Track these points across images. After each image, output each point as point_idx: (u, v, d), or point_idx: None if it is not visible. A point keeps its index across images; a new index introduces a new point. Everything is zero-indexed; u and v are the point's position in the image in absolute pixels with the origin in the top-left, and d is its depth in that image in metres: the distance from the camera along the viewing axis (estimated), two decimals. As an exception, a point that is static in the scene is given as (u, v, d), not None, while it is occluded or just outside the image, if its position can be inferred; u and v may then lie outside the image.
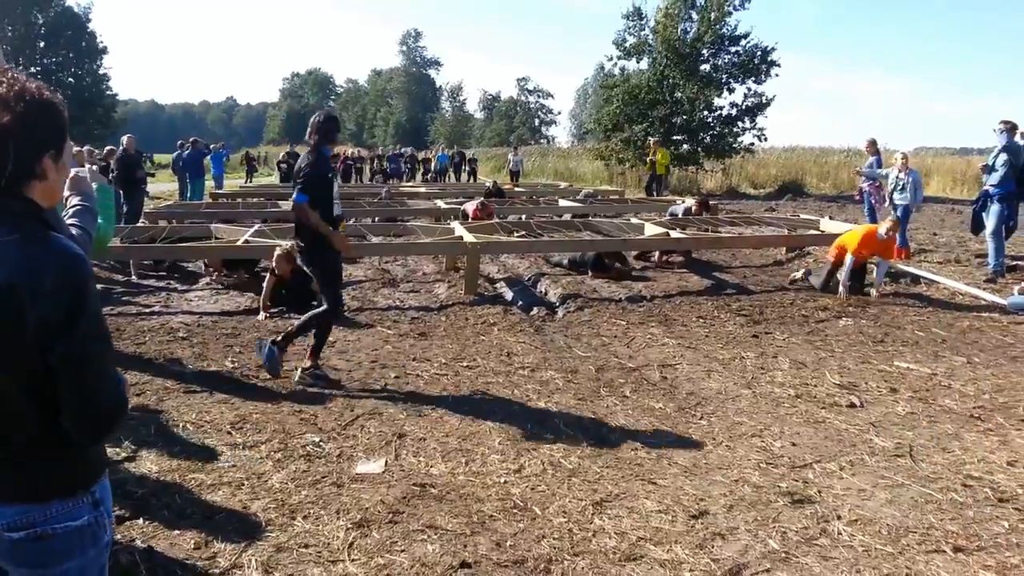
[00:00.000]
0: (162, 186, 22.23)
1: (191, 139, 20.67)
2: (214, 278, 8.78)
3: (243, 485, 3.60)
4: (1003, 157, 8.81)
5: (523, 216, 12.79)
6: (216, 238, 9.40)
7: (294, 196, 5.13)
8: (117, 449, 3.98)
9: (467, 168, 32.67)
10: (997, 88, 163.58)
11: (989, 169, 9.15)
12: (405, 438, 4.23)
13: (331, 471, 3.78)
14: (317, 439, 4.19)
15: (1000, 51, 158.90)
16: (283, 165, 27.21)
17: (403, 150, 38.79)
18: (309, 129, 5.31)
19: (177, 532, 3.17)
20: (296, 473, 3.75)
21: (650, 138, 21.96)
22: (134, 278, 9.03)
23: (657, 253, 10.09)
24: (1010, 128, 8.88)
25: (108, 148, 13.88)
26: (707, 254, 10.66)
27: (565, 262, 9.78)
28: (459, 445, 4.14)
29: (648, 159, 21.65)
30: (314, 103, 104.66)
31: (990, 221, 9.10)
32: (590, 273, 9.16)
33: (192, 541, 3.10)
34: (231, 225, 10.24)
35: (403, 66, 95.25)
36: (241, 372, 5.42)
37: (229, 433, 4.26)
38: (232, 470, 3.78)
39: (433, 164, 33.18)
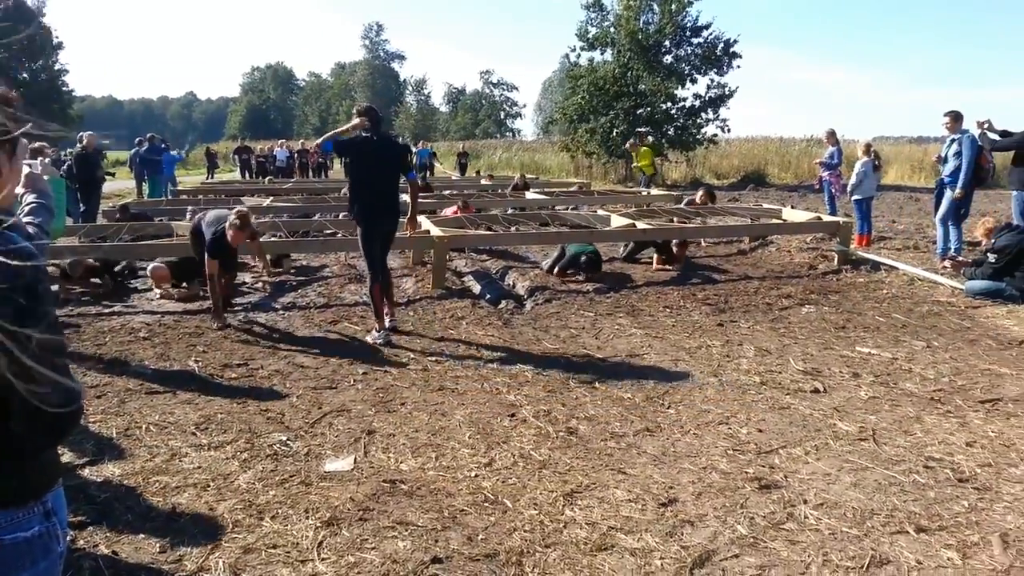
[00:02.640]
0: (119, 184, 21.76)
1: (148, 135, 20.28)
2: (164, 292, 7.81)
3: (209, 486, 3.55)
4: (954, 148, 9.01)
5: (492, 210, 12.75)
6: (179, 235, 9.22)
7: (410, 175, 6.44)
8: (78, 453, 3.89)
9: (440, 163, 32.34)
10: (949, 78, 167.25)
11: (942, 160, 9.35)
12: (374, 434, 4.20)
13: (299, 470, 3.74)
14: (284, 438, 4.13)
15: (951, 43, 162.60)
16: (244, 157, 26.90)
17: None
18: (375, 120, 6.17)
19: (142, 536, 3.11)
20: (263, 473, 3.70)
21: (630, 140, 21.41)
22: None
23: (655, 258, 9.56)
24: (954, 117, 9.07)
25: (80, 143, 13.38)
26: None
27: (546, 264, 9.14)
28: (429, 440, 4.12)
29: (634, 166, 19.93)
30: (276, 98, 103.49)
31: (940, 208, 9.32)
32: (582, 275, 8.54)
33: (157, 545, 3.04)
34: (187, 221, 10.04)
35: (366, 59, 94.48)
36: (205, 371, 5.33)
37: (194, 434, 4.19)
38: (197, 471, 3.71)
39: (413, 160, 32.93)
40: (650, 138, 23.36)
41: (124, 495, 3.46)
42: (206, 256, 6.53)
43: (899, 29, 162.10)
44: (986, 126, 8.55)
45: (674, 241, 9.51)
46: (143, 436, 4.16)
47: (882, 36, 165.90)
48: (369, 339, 6.18)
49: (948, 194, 9.16)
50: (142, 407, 4.61)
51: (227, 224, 6.60)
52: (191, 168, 38.45)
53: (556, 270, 8.75)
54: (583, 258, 8.62)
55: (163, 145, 20.73)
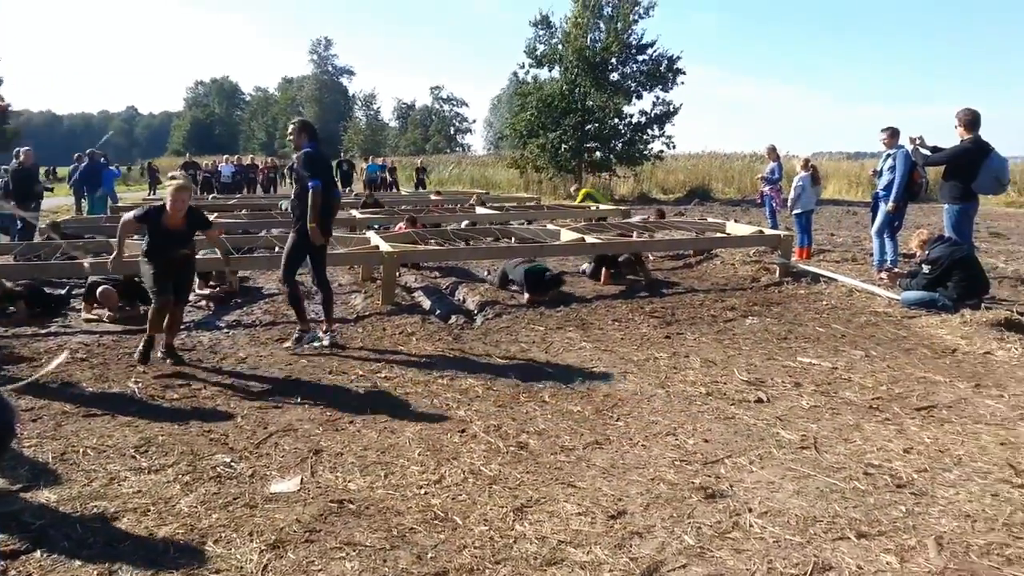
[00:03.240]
0: (58, 200, 21.13)
1: (87, 151, 19.73)
2: (97, 315, 7.48)
3: (149, 511, 3.44)
4: (889, 163, 9.34)
5: (443, 224, 12.74)
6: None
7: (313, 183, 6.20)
8: (11, 479, 3.74)
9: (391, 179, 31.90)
10: (885, 96, 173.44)
11: (878, 174, 9.67)
12: (321, 454, 4.13)
13: (243, 492, 3.65)
14: (228, 459, 4.04)
15: (887, 61, 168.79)
16: (190, 172, 26.34)
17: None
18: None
19: (78, 563, 3.00)
20: (206, 496, 3.60)
21: (572, 187, 21.19)
22: None
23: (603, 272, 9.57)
24: (892, 133, 9.41)
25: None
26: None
27: (496, 281, 8.99)
28: (378, 458, 4.07)
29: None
30: (221, 112, 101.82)
31: (876, 221, 9.64)
32: (526, 296, 8.24)
33: (95, 572, 2.94)
34: (135, 239, 9.78)
35: (314, 74, 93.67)
36: (146, 392, 5.18)
37: (133, 457, 4.07)
38: (137, 496, 3.60)
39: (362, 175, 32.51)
40: (590, 180, 23.48)
41: (60, 521, 3.34)
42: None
43: (835, 48, 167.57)
44: (918, 142, 8.87)
45: (624, 257, 9.67)
46: (80, 460, 4.02)
47: (818, 55, 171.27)
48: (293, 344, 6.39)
49: (883, 207, 9.47)
50: (79, 430, 4.46)
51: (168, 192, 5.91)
52: (131, 184, 37.57)
53: (528, 295, 8.28)
54: (547, 274, 8.37)
55: (103, 160, 20.17)
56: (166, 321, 5.89)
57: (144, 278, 5.99)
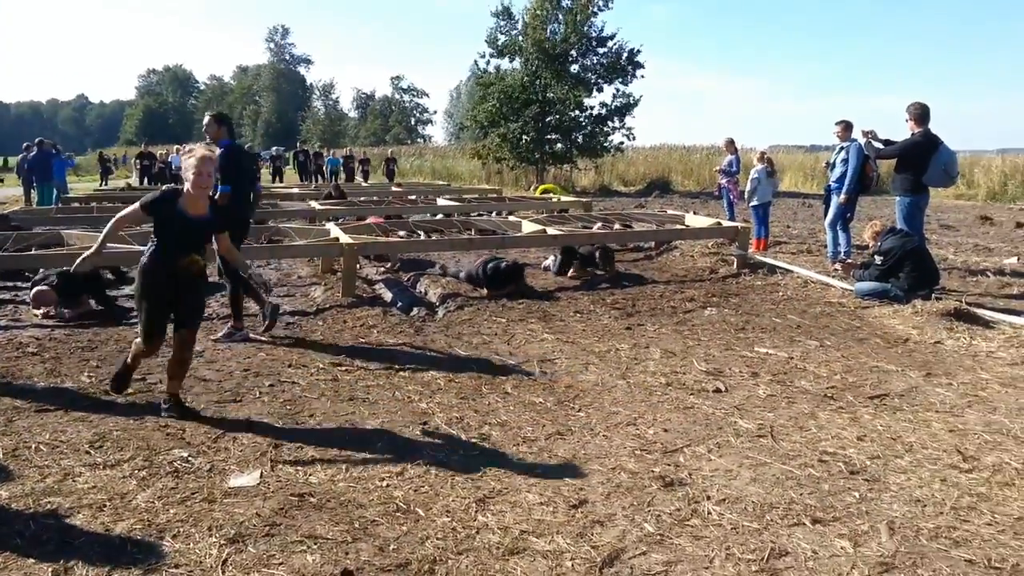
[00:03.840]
0: (7, 191, 20.51)
1: (37, 140, 19.19)
2: (47, 314, 7.06)
3: (105, 507, 3.38)
4: (842, 155, 9.54)
5: (406, 216, 12.67)
6: (69, 245, 8.76)
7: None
8: (-42, 478, 3.64)
9: (362, 169, 31.40)
10: (839, 89, 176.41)
11: (831, 166, 9.86)
12: (281, 448, 4.09)
13: (202, 486, 3.61)
14: (185, 454, 3.98)
15: (839, 53, 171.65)
16: (145, 163, 25.75)
17: (274, 150, 37.46)
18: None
19: (32, 561, 2.94)
20: (163, 491, 3.55)
21: (531, 186, 21.27)
22: None
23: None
24: (845, 127, 9.61)
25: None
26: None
27: (462, 275, 8.71)
28: (339, 451, 4.05)
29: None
30: (174, 101, 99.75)
31: (829, 214, 9.83)
32: (487, 291, 8.06)
33: (50, 570, 2.88)
34: (87, 231, 9.57)
35: (271, 63, 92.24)
36: (100, 387, 5.07)
37: (88, 452, 3.99)
38: (92, 491, 3.53)
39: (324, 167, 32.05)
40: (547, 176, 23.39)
41: (13, 519, 3.26)
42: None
43: (789, 40, 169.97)
44: (871, 135, 9.06)
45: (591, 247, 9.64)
46: (33, 456, 3.93)
47: (773, 48, 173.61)
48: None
49: (835, 200, 9.67)
50: (31, 426, 4.35)
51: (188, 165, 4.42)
52: (83, 175, 36.61)
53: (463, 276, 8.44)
54: (503, 265, 8.14)
55: (54, 151, 19.64)
56: (169, 362, 4.64)
57: (136, 300, 4.54)
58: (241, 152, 6.26)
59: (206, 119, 6.34)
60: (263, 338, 6.39)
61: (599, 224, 11.37)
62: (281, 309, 6.50)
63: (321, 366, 5.64)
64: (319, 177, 30.58)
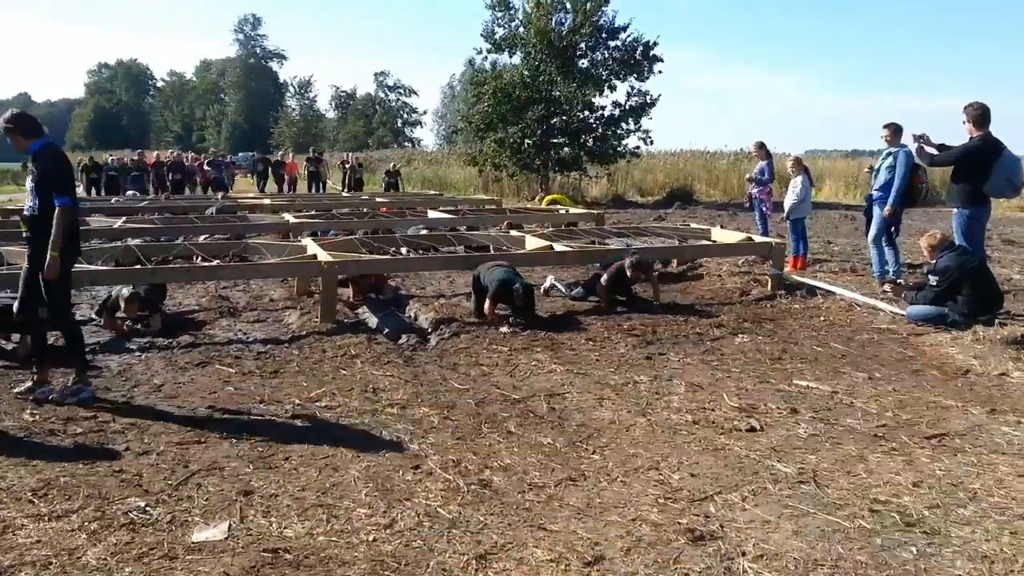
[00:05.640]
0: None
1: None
2: None
3: (51, 564, 3.37)
4: (888, 161, 9.58)
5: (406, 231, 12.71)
6: (9, 264, 8.77)
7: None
8: None
9: (353, 178, 30.62)
10: (887, 86, 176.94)
11: (875, 172, 9.91)
12: (252, 495, 4.08)
13: (161, 541, 3.59)
14: (143, 503, 3.97)
15: (887, 46, 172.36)
16: (92, 176, 25.78)
17: (251, 155, 37.59)
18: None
19: (-36, 630, 2.92)
20: (117, 546, 3.53)
21: (537, 196, 21.11)
22: None
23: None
24: (895, 130, 9.66)
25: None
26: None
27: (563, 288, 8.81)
28: (318, 500, 4.04)
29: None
30: (128, 100, 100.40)
31: (872, 227, 9.85)
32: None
33: (-16, 639, 2.86)
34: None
35: (240, 57, 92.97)
36: (44, 427, 5.07)
37: (31, 502, 3.98)
38: (36, 547, 3.52)
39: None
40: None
41: (-59, 580, 3.25)
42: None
43: (829, 30, 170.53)
44: (923, 140, 9.08)
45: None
46: (-35, 507, 3.92)
47: (811, 39, 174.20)
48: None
49: (878, 212, 9.70)
50: (-36, 472, 4.34)
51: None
52: (22, 184, 36.73)
53: (487, 305, 8.05)
54: (517, 287, 7.97)
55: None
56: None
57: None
58: (63, 157, 5.72)
59: (1, 124, 5.57)
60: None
61: (613, 240, 11.39)
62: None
63: (297, 401, 5.63)
64: (293, 187, 30.56)
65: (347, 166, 30.54)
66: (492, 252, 10.17)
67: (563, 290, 9.52)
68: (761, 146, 13.94)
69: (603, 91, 26.83)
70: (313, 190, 28.59)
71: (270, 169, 31.29)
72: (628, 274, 8.71)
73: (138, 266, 8.83)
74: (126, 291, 7.68)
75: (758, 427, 5.11)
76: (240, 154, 47.82)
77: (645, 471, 4.43)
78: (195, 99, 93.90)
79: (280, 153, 37.39)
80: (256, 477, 4.32)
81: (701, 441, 4.88)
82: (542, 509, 3.95)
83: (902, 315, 8.05)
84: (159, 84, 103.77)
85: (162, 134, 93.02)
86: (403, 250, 10.68)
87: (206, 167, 28.47)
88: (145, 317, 7.85)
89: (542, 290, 9.56)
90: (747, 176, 14.37)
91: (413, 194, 25.14)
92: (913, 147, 9.23)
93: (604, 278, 8.83)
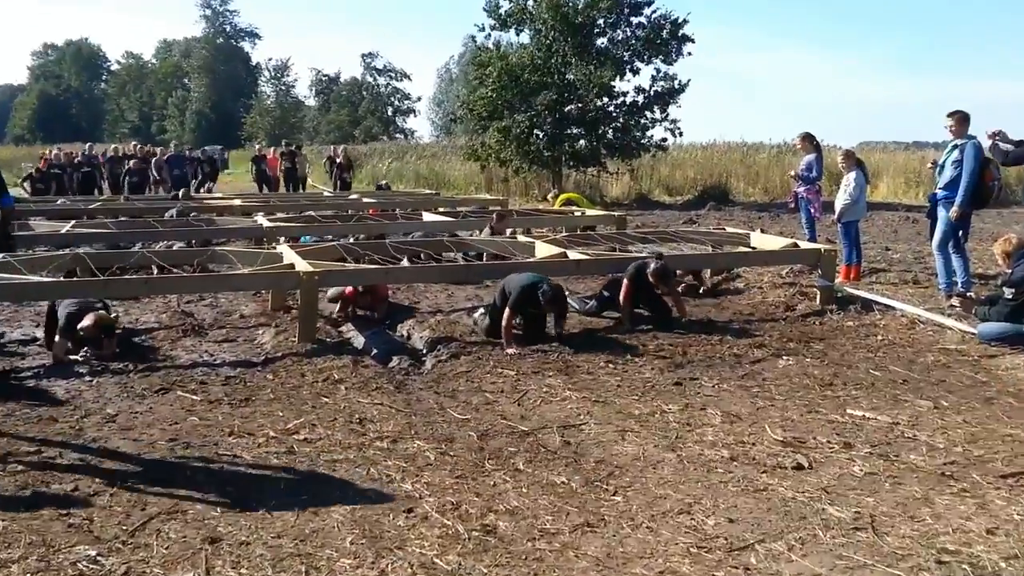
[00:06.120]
0: None
1: None
2: None
3: (-14, 624, 3.37)
4: (955, 155, 9.53)
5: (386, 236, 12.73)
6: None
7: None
8: None
9: (339, 175, 30.52)
10: (954, 68, 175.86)
11: (939, 167, 9.88)
12: (220, 543, 4.08)
13: (116, 596, 3.59)
14: (94, 552, 3.97)
15: (955, 21, 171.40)
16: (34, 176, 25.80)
17: (208, 149, 37.63)
18: None
19: None
20: (65, 602, 3.54)
21: (549, 195, 20.58)
22: None
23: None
24: (961, 119, 9.62)
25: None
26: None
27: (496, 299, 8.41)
28: (296, 549, 4.04)
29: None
30: (79, 86, 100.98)
31: (936, 231, 9.81)
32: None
33: None
34: None
35: (206, 36, 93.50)
36: (-19, 463, 5.09)
37: (-36, 551, 3.99)
38: (-31, 604, 3.53)
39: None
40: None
41: None
42: None
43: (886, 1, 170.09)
44: (998, 137, 9.05)
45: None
46: None
47: (865, 12, 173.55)
48: None
49: (943, 214, 9.67)
50: None
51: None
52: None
53: (505, 315, 7.97)
54: (544, 288, 7.89)
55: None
56: None
57: None
58: None
59: None
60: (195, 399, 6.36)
61: (637, 246, 11.40)
62: None
63: (272, 434, 5.63)
64: (275, 187, 30.52)
65: (337, 161, 30.10)
66: (497, 261, 10.19)
67: (575, 305, 9.43)
68: (808, 138, 13.88)
69: (624, 75, 26.85)
70: (289, 190, 28.58)
71: (253, 166, 30.91)
72: (651, 281, 8.68)
73: (88, 277, 8.86)
74: (79, 310, 7.53)
75: (806, 464, 5.09)
76: (206, 148, 48.00)
77: (675, 515, 4.42)
78: (155, 85, 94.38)
79: (259, 147, 37.41)
80: (224, 522, 4.32)
81: (740, 480, 4.86)
82: (555, 560, 3.94)
83: (973, 334, 8.03)
84: (113, 68, 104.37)
85: (117, 125, 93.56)
86: (404, 262, 10.66)
87: (163, 165, 28.29)
88: (98, 340, 7.70)
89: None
90: (791, 173, 14.35)
91: (405, 194, 25.18)
92: (987, 143, 9.20)
93: (623, 287, 8.78)
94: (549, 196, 19.97)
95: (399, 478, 4.90)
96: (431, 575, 3.80)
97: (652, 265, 8.63)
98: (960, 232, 9.82)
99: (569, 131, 27.33)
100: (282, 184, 29.76)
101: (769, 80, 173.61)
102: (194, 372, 7.17)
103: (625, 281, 8.75)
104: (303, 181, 30.03)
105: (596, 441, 5.52)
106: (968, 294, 9.02)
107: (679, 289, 9.79)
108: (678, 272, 10.08)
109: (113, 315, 7.95)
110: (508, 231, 12.64)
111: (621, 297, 8.77)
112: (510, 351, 7.66)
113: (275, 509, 4.49)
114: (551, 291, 7.91)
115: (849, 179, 11.48)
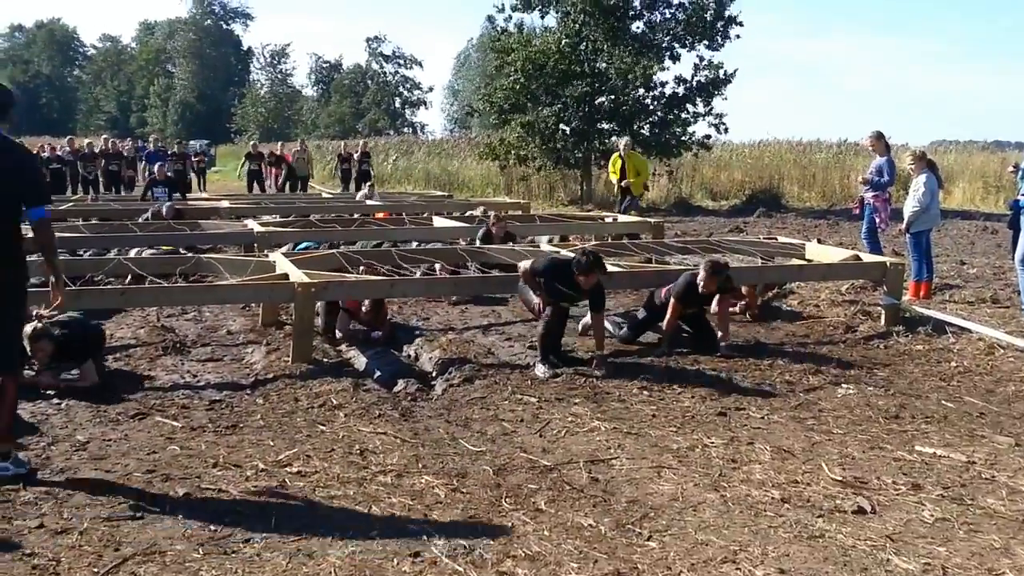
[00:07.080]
0: None
1: None
2: None
3: (-61, 677, 3.39)
4: None
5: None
6: None
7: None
8: None
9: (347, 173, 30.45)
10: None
11: (1021, 172, 9.83)
12: (203, 589, 4.10)
13: (84, 647, 3.61)
14: (61, 597, 4.00)
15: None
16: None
17: (195, 144, 37.78)
18: None
19: None
20: (27, 653, 3.56)
21: (618, 142, 19.78)
22: None
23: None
24: None
25: None
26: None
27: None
28: (288, 596, 4.04)
29: (616, 182, 18.82)
30: (50, 72, 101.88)
31: (1019, 244, 9.75)
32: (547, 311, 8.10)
33: None
34: None
35: (192, 18, 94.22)
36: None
37: (-84, 594, 4.02)
38: (-79, 654, 3.55)
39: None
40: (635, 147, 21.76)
41: None
42: None
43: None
44: None
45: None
46: None
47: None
48: None
49: None
50: None
51: None
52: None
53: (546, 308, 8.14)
54: (583, 258, 7.86)
55: None
56: None
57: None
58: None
59: None
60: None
61: (676, 256, 11.39)
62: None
63: (261, 466, 5.65)
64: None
65: (354, 156, 29.69)
66: (515, 273, 10.18)
67: (609, 329, 9.16)
68: (879, 137, 13.72)
69: (663, 63, 26.81)
70: (286, 190, 28.66)
71: (261, 164, 30.78)
72: (700, 288, 8.59)
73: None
74: (29, 328, 7.09)
75: (868, 508, 5.06)
76: (193, 142, 48.40)
77: (718, 564, 4.40)
78: (135, 71, 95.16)
79: (280, 145, 37.28)
80: (207, 565, 4.33)
81: (792, 525, 4.84)
82: (581, 613, 3.93)
83: (1060, 360, 7.97)
84: (89, 52, 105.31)
85: (92, 116, 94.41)
86: (416, 273, 10.67)
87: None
88: (67, 365, 7.42)
89: (580, 327, 9.39)
90: (860, 178, 14.24)
91: (414, 195, 25.24)
92: None
93: (671, 307, 8.68)
94: (615, 156, 18.58)
95: (405, 516, 4.90)
96: (440, 628, 3.80)
97: (703, 268, 8.55)
98: None
99: (600, 126, 27.26)
100: (275, 183, 29.76)
101: (826, 70, 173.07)
102: (175, 395, 7.19)
103: (672, 300, 8.67)
104: (305, 181, 29.95)
105: (628, 478, 5.51)
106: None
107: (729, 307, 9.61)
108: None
109: (33, 311, 7.57)
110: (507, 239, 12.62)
111: (667, 318, 8.71)
112: (536, 373, 7.72)
113: (264, 551, 4.49)
114: (587, 261, 7.86)
115: (919, 183, 11.39)
